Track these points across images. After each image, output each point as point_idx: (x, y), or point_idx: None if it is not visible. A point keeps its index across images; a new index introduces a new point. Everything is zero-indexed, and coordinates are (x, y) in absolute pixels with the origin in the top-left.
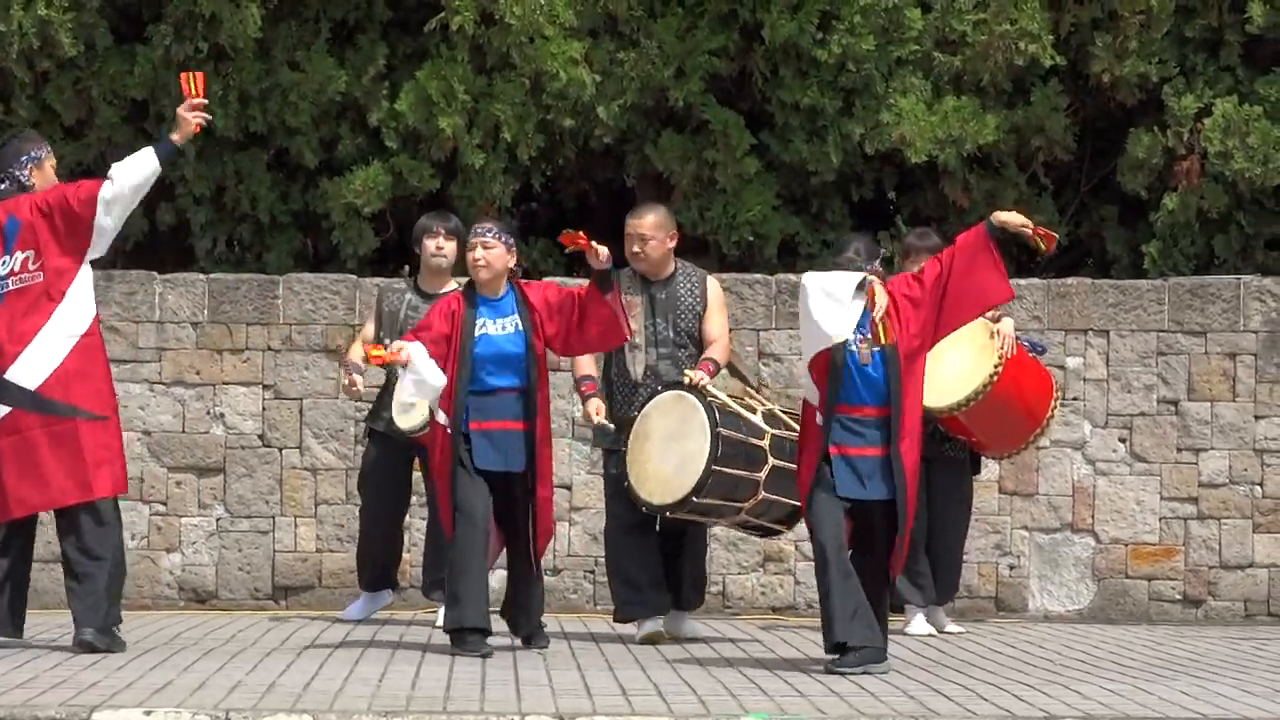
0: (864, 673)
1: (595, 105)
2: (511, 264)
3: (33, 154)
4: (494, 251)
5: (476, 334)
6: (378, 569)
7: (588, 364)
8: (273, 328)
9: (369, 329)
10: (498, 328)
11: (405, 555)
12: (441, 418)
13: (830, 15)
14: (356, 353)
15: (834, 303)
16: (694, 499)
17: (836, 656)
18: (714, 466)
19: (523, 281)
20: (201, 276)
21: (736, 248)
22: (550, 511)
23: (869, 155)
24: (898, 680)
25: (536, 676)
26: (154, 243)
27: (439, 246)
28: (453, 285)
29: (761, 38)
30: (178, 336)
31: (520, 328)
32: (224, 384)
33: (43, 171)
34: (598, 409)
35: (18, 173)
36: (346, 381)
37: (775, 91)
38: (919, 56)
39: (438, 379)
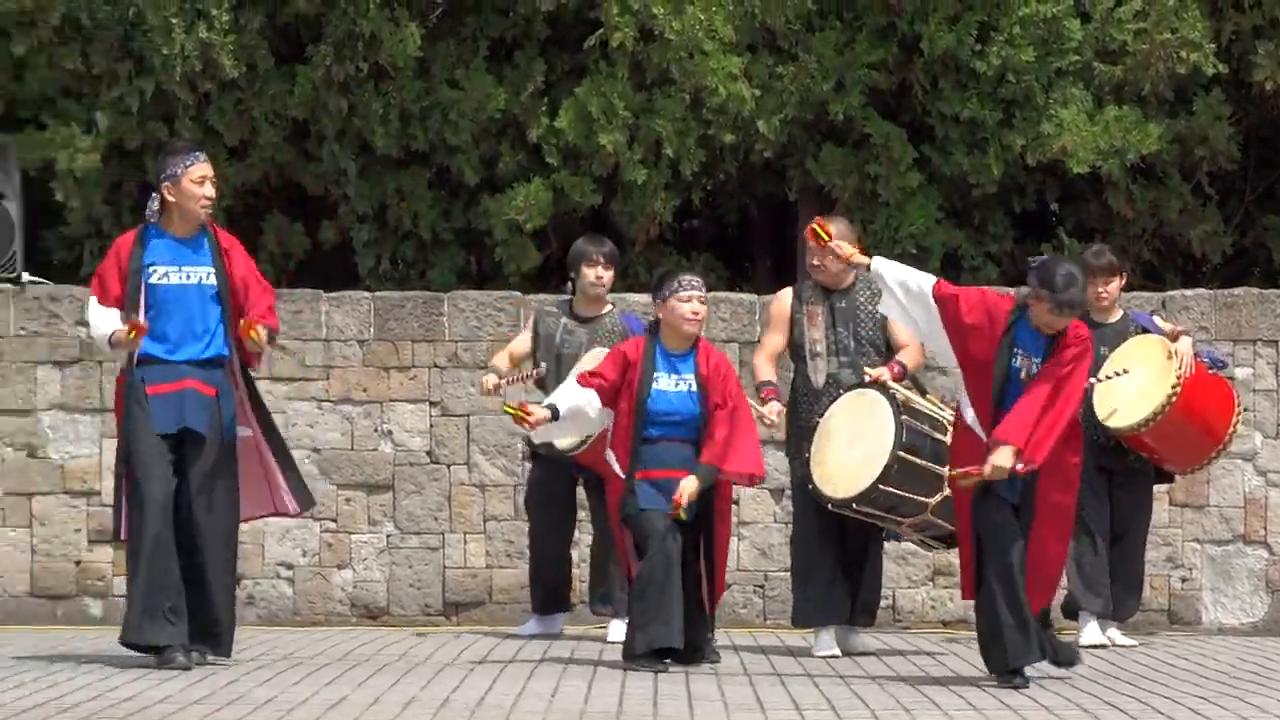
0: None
1: (755, 120)
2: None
3: (170, 170)
4: (705, 309)
5: (652, 389)
6: (549, 592)
7: (767, 370)
8: (438, 344)
9: (519, 342)
10: (671, 383)
11: (574, 571)
12: (613, 462)
13: (989, 27)
14: (499, 360)
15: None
16: (879, 487)
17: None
18: (898, 453)
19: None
20: (367, 294)
21: (900, 261)
22: (724, 559)
23: (1030, 167)
24: (1070, 693)
25: (708, 691)
26: (318, 261)
27: (598, 276)
28: (609, 308)
29: (920, 50)
30: (344, 354)
31: (693, 389)
32: (391, 401)
33: (179, 188)
34: (777, 412)
35: (154, 198)
36: (484, 381)
37: (935, 104)
38: (1079, 67)
39: (568, 441)
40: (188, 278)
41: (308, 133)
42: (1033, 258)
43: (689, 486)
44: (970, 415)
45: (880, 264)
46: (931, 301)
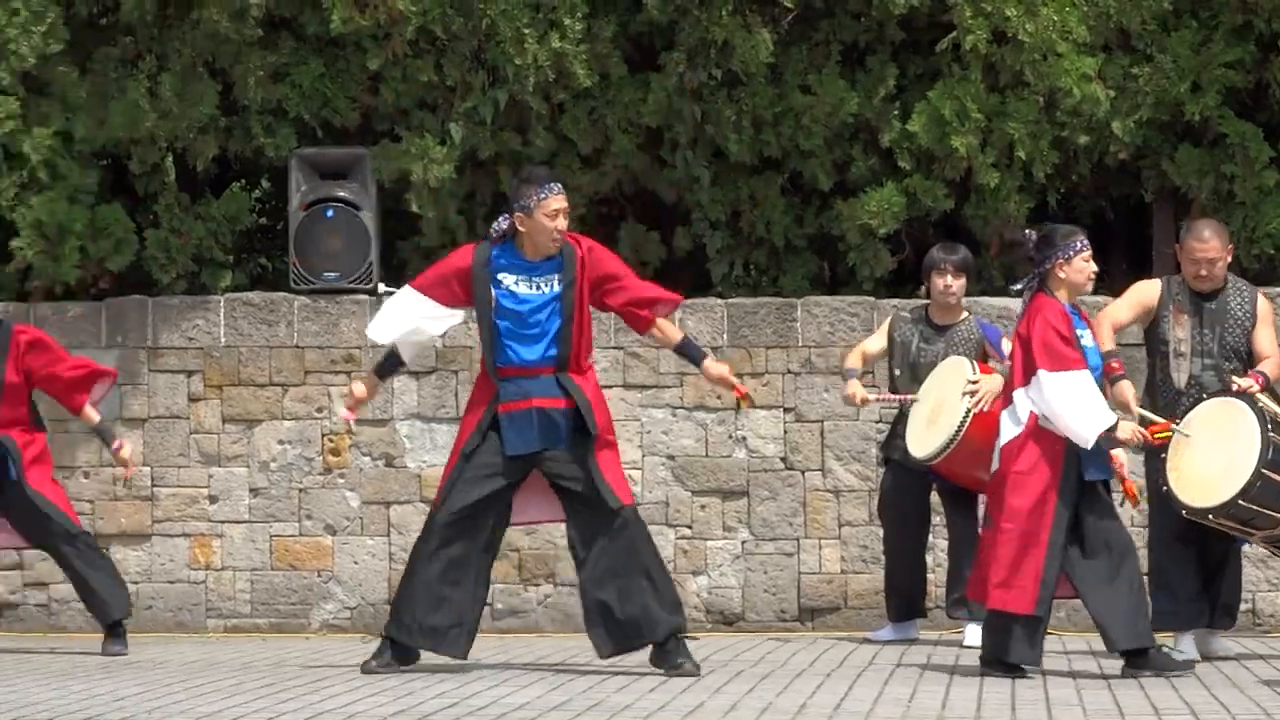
0: None
1: (1110, 121)
2: None
3: (523, 201)
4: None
5: None
6: (903, 599)
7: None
8: (792, 350)
9: (873, 342)
10: None
11: (929, 576)
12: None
13: None
14: (853, 360)
15: None
16: (1240, 502)
17: None
18: (1263, 470)
19: None
20: (720, 301)
21: (1257, 261)
22: None
23: None
24: None
25: (1067, 696)
26: (671, 268)
27: (946, 285)
28: (964, 316)
29: (1278, 48)
30: None
31: None
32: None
33: (532, 219)
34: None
35: (505, 221)
36: (849, 393)
37: None
38: None
39: (927, 450)
40: (537, 289)
41: (661, 140)
42: None
43: None
44: None
45: None
46: None
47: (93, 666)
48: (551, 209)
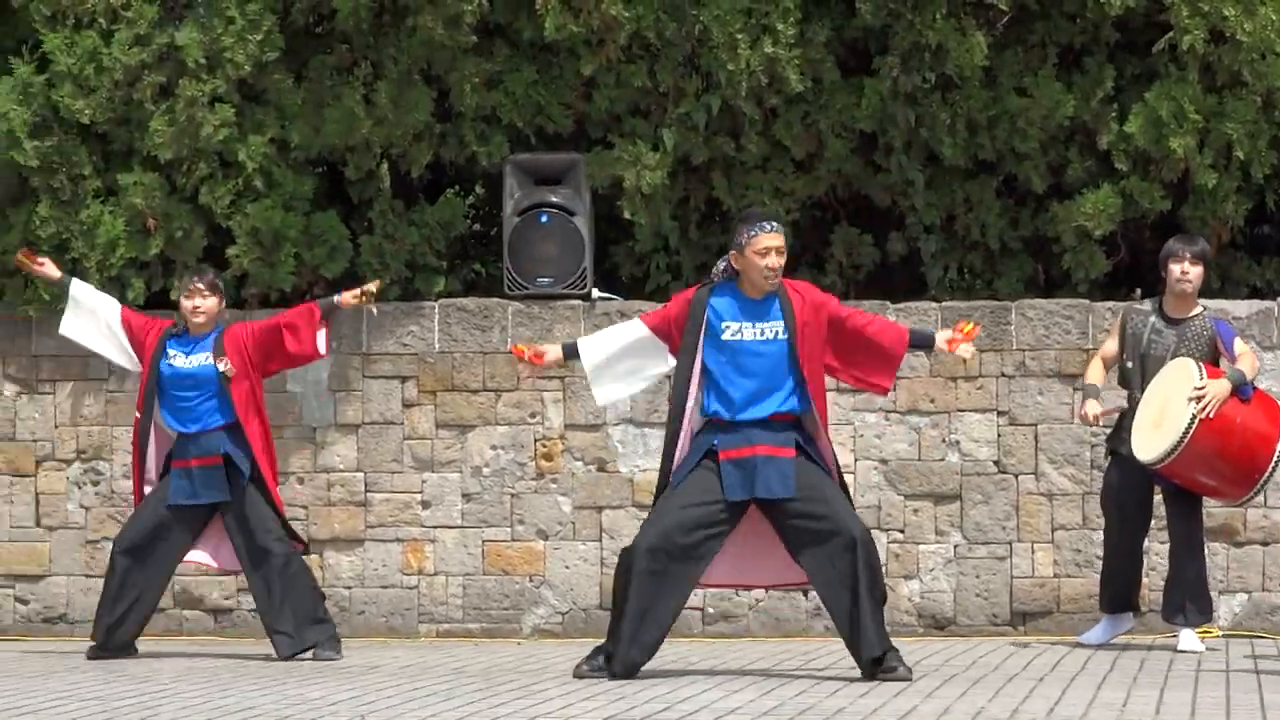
0: None
1: None
2: None
3: (737, 239)
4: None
5: None
6: (1118, 591)
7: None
8: (1006, 354)
9: (1108, 346)
10: None
11: (1144, 579)
12: None
13: None
14: (1093, 374)
15: None
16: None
17: None
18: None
19: None
20: (934, 304)
21: None
22: None
23: None
24: None
25: (1275, 701)
26: (886, 272)
27: (1184, 271)
28: (1198, 310)
29: None
30: (911, 365)
31: None
32: (958, 411)
33: (744, 258)
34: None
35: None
36: (1084, 412)
37: None
38: None
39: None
40: (760, 334)
41: (875, 144)
42: None
43: None
44: None
45: None
46: None
47: (306, 671)
48: (761, 246)
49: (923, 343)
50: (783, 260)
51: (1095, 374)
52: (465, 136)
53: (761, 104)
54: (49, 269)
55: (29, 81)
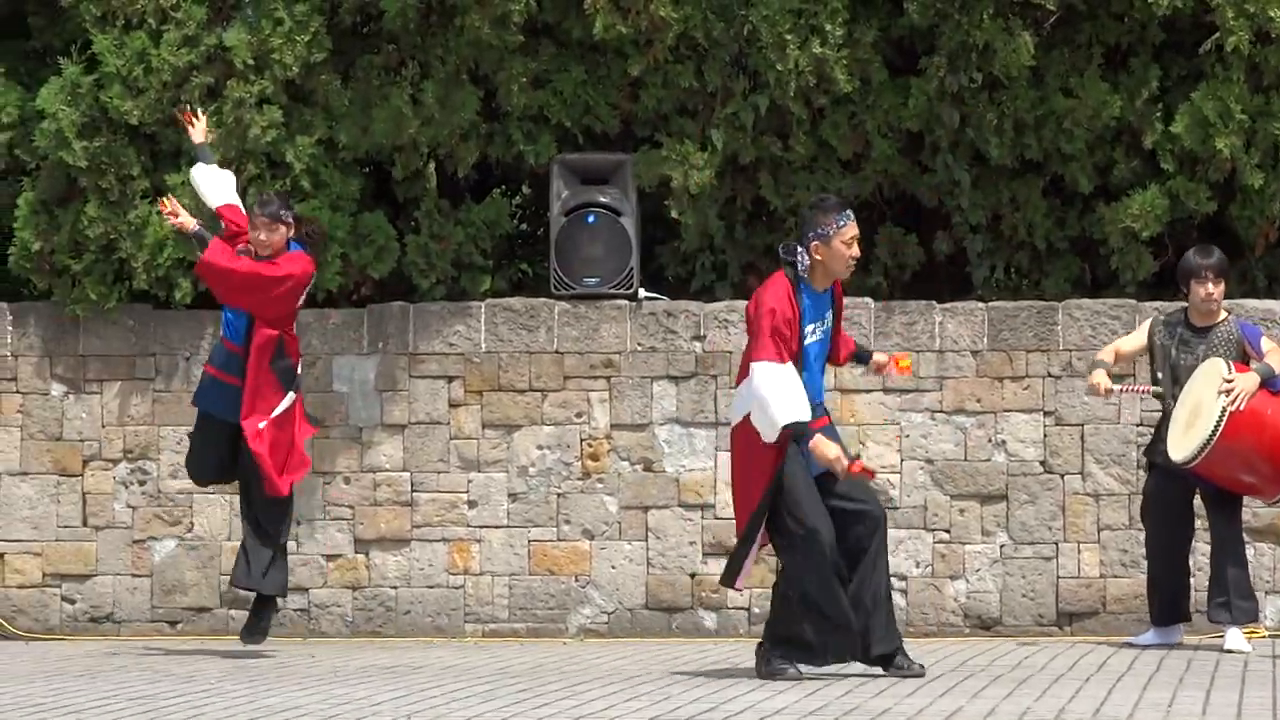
0: None
1: None
2: None
3: (821, 229)
4: None
5: None
6: (1167, 602)
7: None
8: (1052, 354)
9: (1129, 340)
10: None
11: (1190, 581)
12: None
13: None
14: (1105, 354)
15: None
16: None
17: None
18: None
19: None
20: (980, 305)
21: None
22: None
23: None
24: None
25: None
26: (931, 272)
27: (1208, 293)
28: (1224, 316)
29: None
30: (958, 365)
31: None
32: (1005, 411)
33: (830, 248)
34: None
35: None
36: (1093, 381)
37: None
38: None
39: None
40: (820, 335)
41: (921, 144)
42: None
43: None
44: None
45: None
46: None
47: (351, 671)
48: (849, 236)
49: (862, 359)
50: (860, 250)
51: (1107, 354)
52: (512, 136)
53: (809, 104)
54: (197, 132)
55: (78, 82)
